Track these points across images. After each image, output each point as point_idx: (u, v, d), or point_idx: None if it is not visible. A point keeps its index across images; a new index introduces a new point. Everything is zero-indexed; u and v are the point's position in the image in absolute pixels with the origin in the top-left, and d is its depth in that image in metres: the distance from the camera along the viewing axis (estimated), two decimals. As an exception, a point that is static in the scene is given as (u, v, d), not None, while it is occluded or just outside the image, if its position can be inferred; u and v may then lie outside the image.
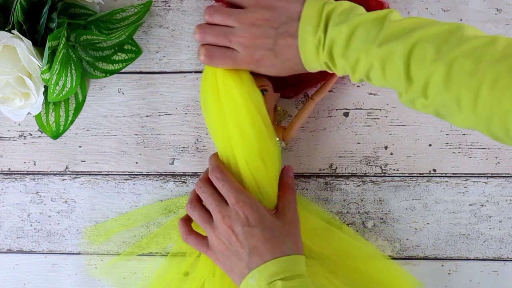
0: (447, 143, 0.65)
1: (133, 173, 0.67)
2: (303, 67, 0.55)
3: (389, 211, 0.66)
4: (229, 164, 0.59)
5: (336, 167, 0.66)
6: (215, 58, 0.57)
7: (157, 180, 0.67)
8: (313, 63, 0.54)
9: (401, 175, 0.65)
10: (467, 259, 0.66)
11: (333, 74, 0.62)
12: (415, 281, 0.64)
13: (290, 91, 0.64)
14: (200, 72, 0.66)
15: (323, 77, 0.63)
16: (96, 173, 0.68)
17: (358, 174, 0.66)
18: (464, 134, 0.65)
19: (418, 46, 0.47)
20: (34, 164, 0.68)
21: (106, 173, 0.67)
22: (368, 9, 0.54)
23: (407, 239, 0.66)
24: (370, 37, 0.49)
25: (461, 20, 0.63)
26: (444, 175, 0.65)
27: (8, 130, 0.68)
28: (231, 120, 0.57)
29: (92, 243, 0.67)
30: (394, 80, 0.49)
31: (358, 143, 0.65)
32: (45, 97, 0.63)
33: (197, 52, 0.59)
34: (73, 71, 0.63)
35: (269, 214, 0.57)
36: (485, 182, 0.65)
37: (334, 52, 0.52)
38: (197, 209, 0.59)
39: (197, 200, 0.60)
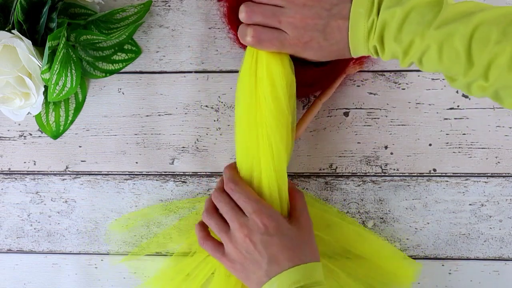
0: (447, 143, 0.65)
1: (133, 173, 0.67)
2: (348, 51, 0.54)
3: (389, 210, 0.66)
4: (251, 165, 0.58)
5: (336, 167, 0.66)
6: (262, 40, 0.55)
7: (157, 180, 0.67)
8: (360, 48, 0.53)
9: (401, 174, 0.65)
10: (468, 258, 0.66)
11: (340, 75, 0.62)
12: (414, 266, 0.64)
13: (298, 93, 0.64)
14: (200, 72, 0.66)
15: (332, 79, 0.63)
16: (96, 173, 0.68)
17: (358, 173, 0.66)
18: (464, 134, 0.65)
19: (481, 28, 0.46)
20: (34, 164, 0.68)
21: (106, 173, 0.67)
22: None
23: (407, 239, 0.66)
24: (426, 19, 0.48)
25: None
26: (444, 174, 0.65)
27: (8, 130, 0.68)
28: (266, 108, 0.56)
29: (119, 230, 0.67)
30: (451, 63, 0.48)
31: (358, 142, 0.65)
32: (45, 97, 0.63)
33: (240, 33, 0.57)
34: (73, 71, 0.63)
35: (286, 221, 0.57)
36: (485, 182, 0.65)
37: (385, 35, 0.50)
38: (214, 217, 0.59)
39: (213, 209, 0.60)
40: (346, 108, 0.65)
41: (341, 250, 0.64)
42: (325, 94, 0.63)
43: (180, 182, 0.67)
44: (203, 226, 0.61)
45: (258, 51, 0.57)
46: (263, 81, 0.56)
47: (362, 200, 0.66)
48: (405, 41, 0.49)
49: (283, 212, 0.58)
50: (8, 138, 0.68)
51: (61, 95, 0.63)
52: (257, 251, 0.55)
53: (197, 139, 0.66)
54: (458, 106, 0.64)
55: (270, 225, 0.55)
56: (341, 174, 0.66)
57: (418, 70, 0.64)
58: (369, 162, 0.65)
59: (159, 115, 0.67)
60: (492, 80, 0.47)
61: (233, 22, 0.62)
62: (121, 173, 0.67)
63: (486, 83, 0.48)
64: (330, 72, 0.62)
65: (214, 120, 0.66)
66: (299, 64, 0.59)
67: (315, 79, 0.62)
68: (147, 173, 0.67)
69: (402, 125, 0.65)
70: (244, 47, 0.64)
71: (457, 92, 0.64)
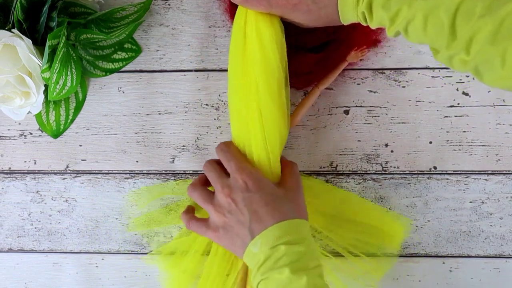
0: (448, 141, 0.65)
1: (133, 172, 0.67)
2: (337, 17, 0.54)
3: (389, 208, 0.66)
4: (243, 131, 0.58)
5: (337, 165, 0.66)
6: None
7: (157, 179, 0.67)
8: (349, 14, 0.53)
9: (401, 172, 0.65)
10: (468, 256, 0.66)
11: (341, 63, 0.62)
12: (404, 221, 0.65)
13: (299, 83, 0.64)
14: (200, 70, 0.66)
15: (332, 67, 0.63)
16: (96, 172, 0.68)
17: (359, 171, 0.66)
18: (464, 132, 0.65)
19: (467, 1, 0.46)
20: (35, 163, 0.68)
21: (107, 172, 0.67)
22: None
23: (408, 237, 0.66)
24: None
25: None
26: (444, 172, 0.65)
27: (9, 129, 0.68)
28: (257, 68, 0.56)
29: (137, 205, 0.67)
30: (435, 34, 0.48)
31: (359, 140, 0.65)
32: (46, 96, 0.63)
33: None
34: (73, 70, 0.63)
35: (269, 181, 0.57)
36: (486, 179, 0.65)
37: (374, 2, 0.50)
38: (197, 188, 0.59)
39: (197, 182, 0.60)
40: (346, 106, 0.65)
41: (332, 217, 0.64)
42: (324, 82, 0.63)
43: (181, 180, 0.67)
44: (187, 212, 0.62)
45: (248, 11, 0.57)
46: (252, 40, 0.56)
47: (362, 198, 0.66)
48: (393, 9, 0.49)
49: (273, 178, 0.58)
50: (8, 138, 0.68)
51: (61, 94, 0.63)
52: (239, 210, 0.55)
53: (198, 138, 0.66)
54: (458, 103, 0.64)
55: (250, 182, 0.55)
56: (341, 172, 0.66)
57: (418, 68, 0.64)
58: (370, 160, 0.65)
59: (159, 113, 0.67)
60: (473, 54, 0.47)
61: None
62: (121, 172, 0.67)
63: (467, 57, 0.47)
64: (328, 60, 0.62)
65: (215, 119, 0.66)
66: (296, 51, 0.59)
67: (312, 67, 0.62)
68: (147, 172, 0.67)
69: (403, 123, 0.65)
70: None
71: (457, 89, 0.64)
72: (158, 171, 0.67)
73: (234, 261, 0.61)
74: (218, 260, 0.61)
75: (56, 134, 0.67)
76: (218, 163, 0.60)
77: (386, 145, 0.65)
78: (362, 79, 0.65)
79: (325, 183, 0.66)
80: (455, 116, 0.65)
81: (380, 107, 0.65)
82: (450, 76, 0.64)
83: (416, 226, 0.66)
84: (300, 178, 0.60)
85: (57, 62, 0.59)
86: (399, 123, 0.65)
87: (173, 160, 0.67)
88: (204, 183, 0.61)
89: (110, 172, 0.67)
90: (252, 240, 0.53)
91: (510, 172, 0.65)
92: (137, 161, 0.67)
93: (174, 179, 0.67)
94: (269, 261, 0.52)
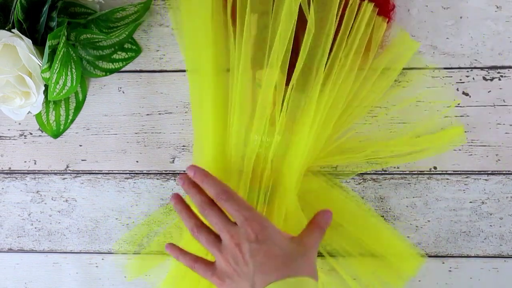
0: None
1: (133, 172, 0.67)
2: None
3: (389, 208, 0.66)
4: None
5: (337, 165, 0.66)
6: None
7: (157, 179, 0.67)
8: None
9: (401, 172, 0.65)
10: (468, 256, 0.66)
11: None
12: (416, 256, 0.64)
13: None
14: (200, 70, 0.66)
15: None
16: (96, 172, 0.68)
17: (359, 171, 0.66)
18: (464, 132, 0.65)
19: None
20: (35, 163, 0.68)
21: (107, 172, 0.67)
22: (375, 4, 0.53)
23: (408, 237, 0.66)
24: None
25: (461, 17, 0.63)
26: (444, 172, 0.65)
27: (9, 129, 0.68)
28: None
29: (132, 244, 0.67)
30: None
31: (359, 141, 0.65)
32: (46, 96, 0.63)
33: None
34: (73, 70, 0.63)
35: (281, 232, 0.54)
36: (486, 180, 0.65)
37: None
38: (204, 232, 0.56)
39: (201, 223, 0.57)
40: (346, 106, 0.65)
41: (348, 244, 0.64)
42: None
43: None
44: (185, 252, 0.59)
45: None
46: None
47: (362, 198, 0.66)
48: None
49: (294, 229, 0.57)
50: (8, 138, 0.68)
51: (61, 94, 0.63)
52: (244, 261, 0.52)
53: (198, 138, 0.66)
54: (458, 104, 0.64)
55: (261, 233, 0.53)
56: (341, 172, 0.66)
57: (418, 68, 0.64)
58: (370, 160, 0.65)
59: (159, 113, 0.67)
60: None
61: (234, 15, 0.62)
62: (121, 172, 0.67)
63: None
64: None
65: (215, 119, 0.66)
66: None
67: None
68: (147, 172, 0.67)
69: (403, 122, 0.65)
70: None
71: (457, 89, 0.64)
72: (158, 171, 0.67)
73: None
74: None
75: (56, 134, 0.67)
76: (217, 207, 0.56)
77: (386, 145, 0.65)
78: (362, 79, 0.65)
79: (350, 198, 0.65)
80: (455, 116, 0.65)
81: (380, 107, 0.65)
82: (450, 76, 0.64)
83: (416, 226, 0.66)
84: (318, 243, 0.56)
85: (57, 62, 0.59)
86: (399, 123, 0.65)
87: (173, 160, 0.67)
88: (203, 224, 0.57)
89: (110, 172, 0.67)
90: None
91: (510, 172, 0.65)
92: (137, 161, 0.67)
93: (174, 179, 0.67)
94: None
